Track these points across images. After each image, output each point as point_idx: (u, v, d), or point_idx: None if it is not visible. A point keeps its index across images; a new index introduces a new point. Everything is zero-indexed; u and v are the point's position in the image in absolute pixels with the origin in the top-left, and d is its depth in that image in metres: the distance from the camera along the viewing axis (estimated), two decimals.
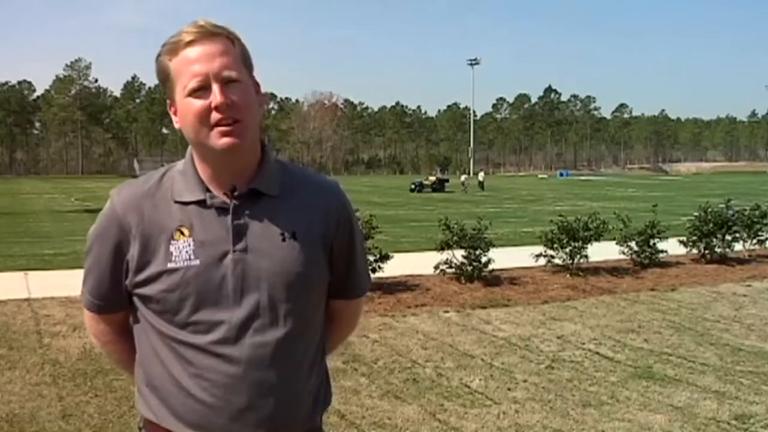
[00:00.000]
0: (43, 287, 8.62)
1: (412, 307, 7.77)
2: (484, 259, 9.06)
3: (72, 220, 20.61)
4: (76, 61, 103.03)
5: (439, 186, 43.29)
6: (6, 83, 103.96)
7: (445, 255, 9.14)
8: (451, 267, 9.06)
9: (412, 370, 5.60)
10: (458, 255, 9.10)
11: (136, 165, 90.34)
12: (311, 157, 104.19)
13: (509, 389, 5.15)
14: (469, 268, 9.03)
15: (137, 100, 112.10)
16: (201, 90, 1.38)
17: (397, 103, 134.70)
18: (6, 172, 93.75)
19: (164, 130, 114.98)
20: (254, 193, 1.47)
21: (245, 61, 1.46)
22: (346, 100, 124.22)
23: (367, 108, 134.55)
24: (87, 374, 5.32)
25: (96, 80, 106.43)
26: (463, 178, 48.21)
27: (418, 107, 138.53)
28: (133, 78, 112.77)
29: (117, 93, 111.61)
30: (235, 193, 1.45)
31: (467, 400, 4.93)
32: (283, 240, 1.46)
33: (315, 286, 1.52)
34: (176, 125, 1.47)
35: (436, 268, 9.05)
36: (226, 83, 1.39)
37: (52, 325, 6.77)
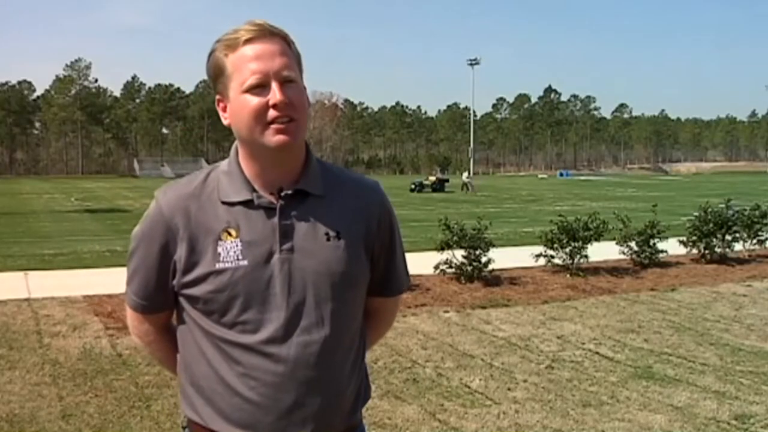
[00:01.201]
0: (43, 287, 8.62)
1: (412, 307, 7.77)
2: (484, 259, 9.06)
3: (72, 220, 20.61)
4: (76, 61, 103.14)
5: (439, 186, 43.31)
6: (6, 83, 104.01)
7: (445, 255, 9.14)
8: (451, 267, 9.07)
9: (412, 370, 5.60)
10: (458, 255, 9.11)
11: (136, 165, 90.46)
12: None
13: (509, 389, 5.15)
14: (469, 268, 9.03)
15: (137, 100, 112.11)
16: (259, 87, 1.40)
17: (397, 103, 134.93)
18: (6, 172, 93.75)
19: (164, 130, 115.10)
20: (300, 194, 1.48)
21: (299, 64, 1.48)
22: (346, 100, 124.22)
23: (367, 108, 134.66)
24: (87, 374, 5.33)
25: (96, 80, 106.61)
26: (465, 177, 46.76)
27: (418, 107, 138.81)
28: (133, 78, 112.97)
29: (117, 93, 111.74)
30: (282, 194, 1.47)
31: (467, 400, 4.93)
32: (328, 240, 1.48)
33: (358, 284, 1.54)
34: (225, 121, 1.48)
35: (436, 268, 9.05)
36: (284, 82, 1.40)
37: (52, 325, 6.78)
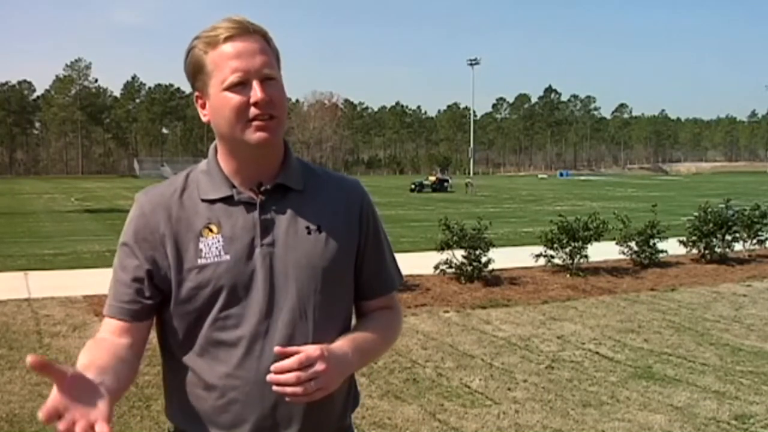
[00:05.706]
0: (43, 287, 8.63)
1: (412, 307, 7.77)
2: (484, 259, 9.06)
3: (72, 221, 20.60)
4: (76, 61, 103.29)
5: (439, 186, 43.33)
6: (6, 83, 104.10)
7: (445, 255, 9.14)
8: (451, 267, 9.07)
9: (412, 370, 5.61)
10: (458, 255, 9.11)
11: (136, 165, 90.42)
12: (311, 157, 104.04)
13: (509, 389, 5.15)
14: (469, 268, 9.03)
15: (137, 100, 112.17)
16: (240, 85, 1.40)
17: (397, 103, 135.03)
18: (6, 172, 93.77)
19: (164, 130, 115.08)
20: (280, 188, 1.48)
21: (278, 61, 1.48)
22: (346, 100, 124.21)
23: (367, 108, 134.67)
24: None
25: (96, 80, 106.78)
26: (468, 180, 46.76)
27: (418, 107, 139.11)
28: (133, 78, 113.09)
29: (117, 93, 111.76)
30: (262, 189, 1.47)
31: (467, 400, 4.93)
32: (309, 233, 1.47)
33: (341, 278, 1.52)
34: (204, 118, 1.48)
35: (436, 268, 9.06)
36: (265, 80, 1.41)
37: (52, 325, 6.78)
